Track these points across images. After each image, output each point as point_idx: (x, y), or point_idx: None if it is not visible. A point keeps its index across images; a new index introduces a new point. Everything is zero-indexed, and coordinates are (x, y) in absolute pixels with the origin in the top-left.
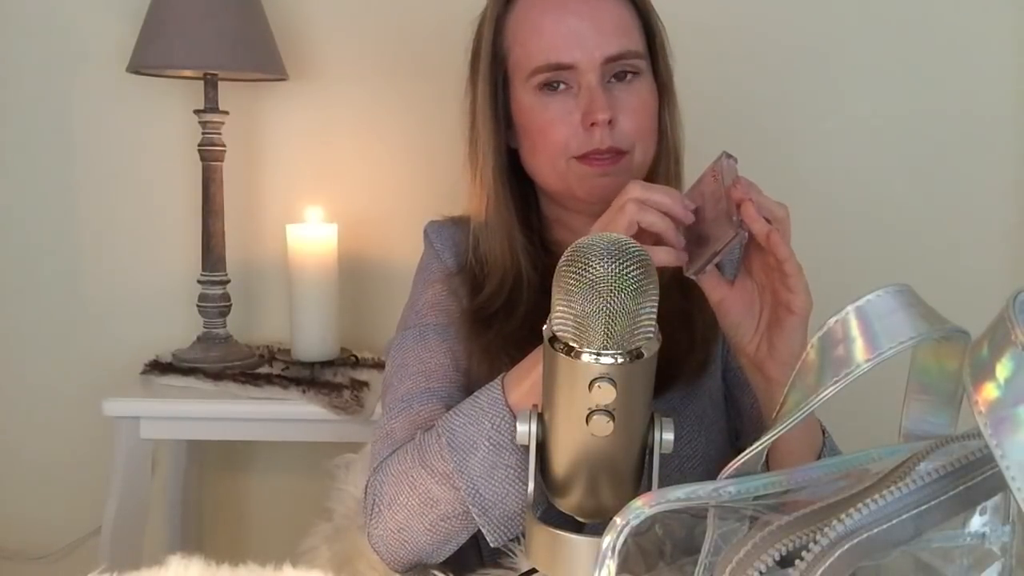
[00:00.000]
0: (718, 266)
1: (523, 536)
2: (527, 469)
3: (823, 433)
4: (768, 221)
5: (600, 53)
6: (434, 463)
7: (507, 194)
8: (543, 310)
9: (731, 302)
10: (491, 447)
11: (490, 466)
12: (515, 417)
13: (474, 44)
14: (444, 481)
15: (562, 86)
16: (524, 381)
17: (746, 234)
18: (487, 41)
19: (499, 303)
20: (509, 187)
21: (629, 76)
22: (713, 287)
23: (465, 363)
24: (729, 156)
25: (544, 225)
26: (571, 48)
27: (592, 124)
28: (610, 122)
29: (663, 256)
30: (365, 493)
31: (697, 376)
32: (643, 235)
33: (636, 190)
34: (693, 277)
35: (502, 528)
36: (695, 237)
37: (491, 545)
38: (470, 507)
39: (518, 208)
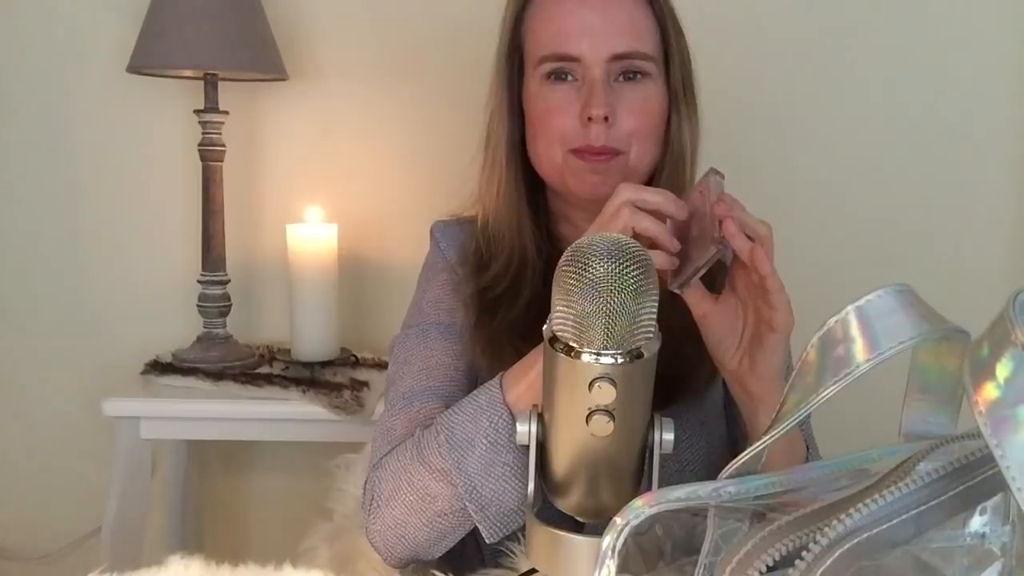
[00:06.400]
0: (711, 278)
1: (523, 536)
2: (524, 467)
3: (807, 448)
4: (751, 239)
5: (607, 49)
6: (432, 460)
7: (518, 178)
8: (546, 299)
9: (714, 317)
10: (488, 445)
11: (487, 464)
12: (512, 416)
13: (500, 32)
14: (442, 478)
15: (569, 77)
16: (522, 380)
17: (728, 250)
18: (506, 28)
19: (504, 286)
20: (520, 173)
21: (637, 76)
22: (697, 302)
23: (469, 354)
24: (716, 172)
25: (550, 219)
26: (579, 40)
27: (589, 119)
28: (607, 119)
29: (656, 260)
30: (364, 489)
31: (704, 390)
32: (636, 239)
33: (627, 192)
34: (677, 291)
35: (498, 525)
36: (680, 252)
37: (487, 542)
38: (467, 504)
39: (527, 195)
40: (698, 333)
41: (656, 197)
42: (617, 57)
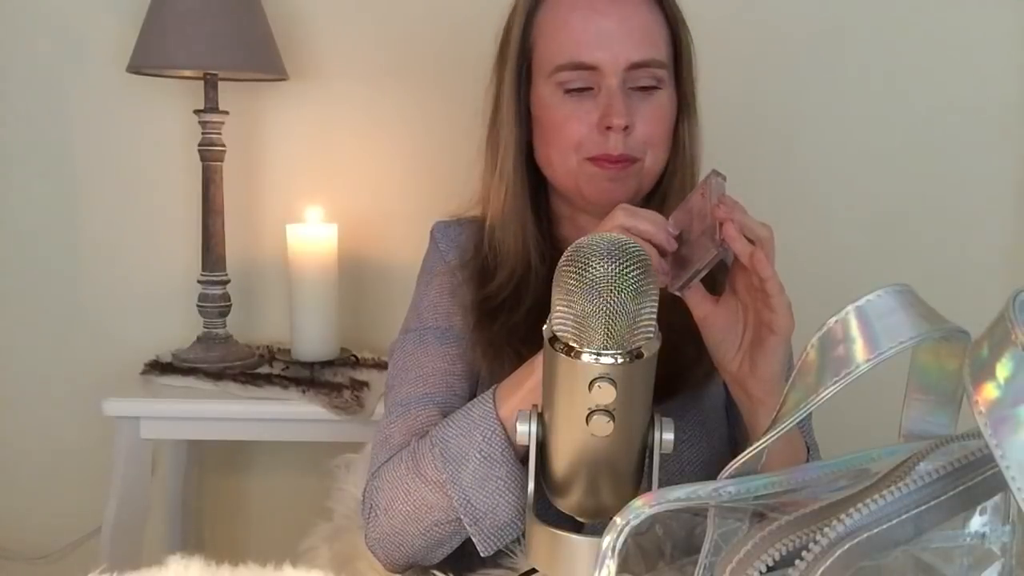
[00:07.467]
0: (712, 279)
1: (523, 536)
2: (518, 481)
3: (807, 448)
4: (751, 241)
5: (625, 58)
6: (428, 472)
7: (524, 185)
8: (548, 304)
9: (715, 319)
10: (482, 459)
11: (481, 478)
12: (506, 430)
13: (503, 35)
14: (437, 489)
15: (584, 90)
16: (516, 394)
17: (729, 252)
18: (516, 32)
19: (506, 294)
20: (526, 178)
21: (651, 89)
22: (697, 303)
23: (468, 356)
24: (718, 174)
25: (552, 221)
26: (596, 49)
27: (608, 128)
28: (626, 128)
29: None
30: (363, 497)
31: (702, 387)
32: None
33: (621, 217)
34: (677, 293)
35: (493, 537)
36: (681, 254)
37: (482, 555)
38: (461, 516)
39: (531, 201)
40: (699, 332)
41: (648, 227)
42: (635, 66)
